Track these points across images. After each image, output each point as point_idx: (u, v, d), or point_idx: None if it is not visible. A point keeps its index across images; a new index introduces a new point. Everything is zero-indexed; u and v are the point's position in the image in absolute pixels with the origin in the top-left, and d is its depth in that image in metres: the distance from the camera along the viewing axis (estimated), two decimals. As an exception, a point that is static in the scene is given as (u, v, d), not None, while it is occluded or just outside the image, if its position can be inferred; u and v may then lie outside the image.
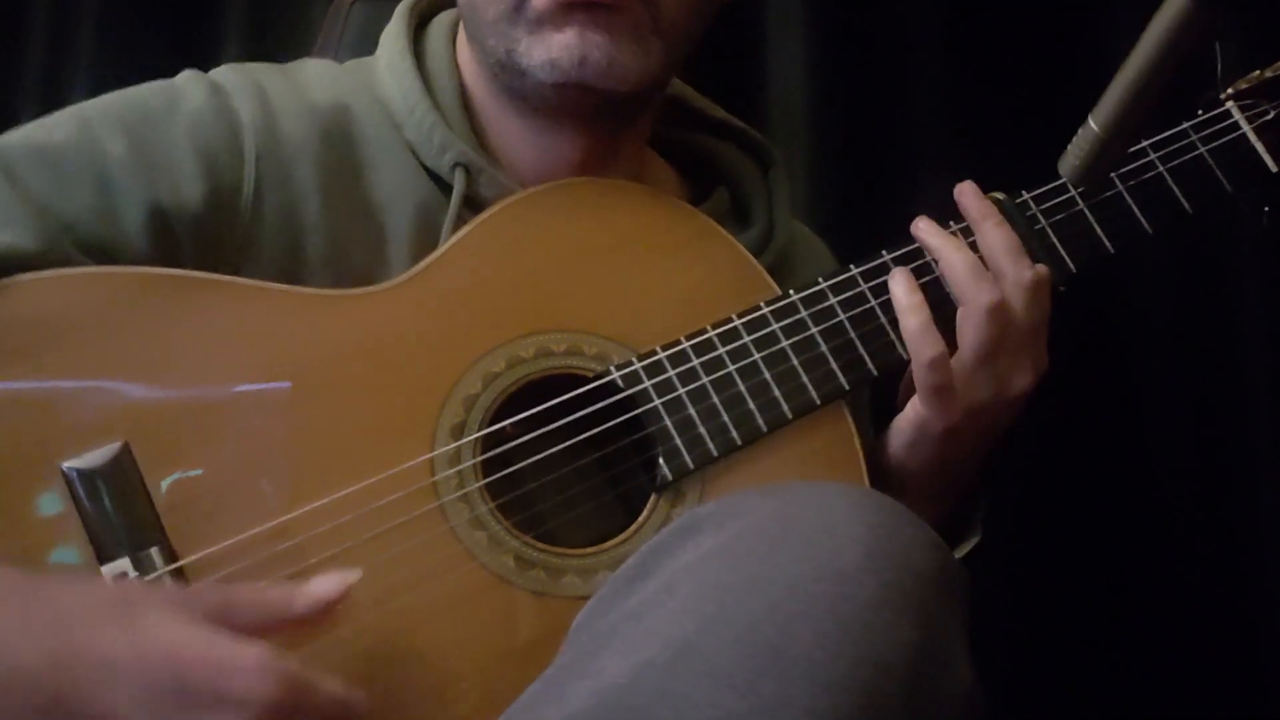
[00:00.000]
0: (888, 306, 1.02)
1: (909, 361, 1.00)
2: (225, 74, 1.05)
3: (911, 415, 1.01)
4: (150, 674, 0.71)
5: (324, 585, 0.79)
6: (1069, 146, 0.80)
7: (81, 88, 1.79)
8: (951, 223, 1.05)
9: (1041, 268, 1.00)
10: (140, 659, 0.71)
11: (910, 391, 1.01)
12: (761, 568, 0.72)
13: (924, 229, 1.03)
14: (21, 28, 1.86)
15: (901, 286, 1.00)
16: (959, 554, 1.05)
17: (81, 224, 0.94)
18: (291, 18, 1.79)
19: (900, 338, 1.01)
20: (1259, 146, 1.07)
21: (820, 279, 1.03)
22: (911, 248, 1.04)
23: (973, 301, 0.98)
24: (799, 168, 1.59)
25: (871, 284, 1.03)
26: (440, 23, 1.13)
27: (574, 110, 1.05)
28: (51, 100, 1.78)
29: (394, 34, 1.10)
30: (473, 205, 1.04)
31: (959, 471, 1.05)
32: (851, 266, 1.04)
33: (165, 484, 0.86)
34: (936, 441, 1.01)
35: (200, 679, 0.71)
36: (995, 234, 1.01)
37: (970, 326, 0.98)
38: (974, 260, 1.00)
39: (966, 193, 1.03)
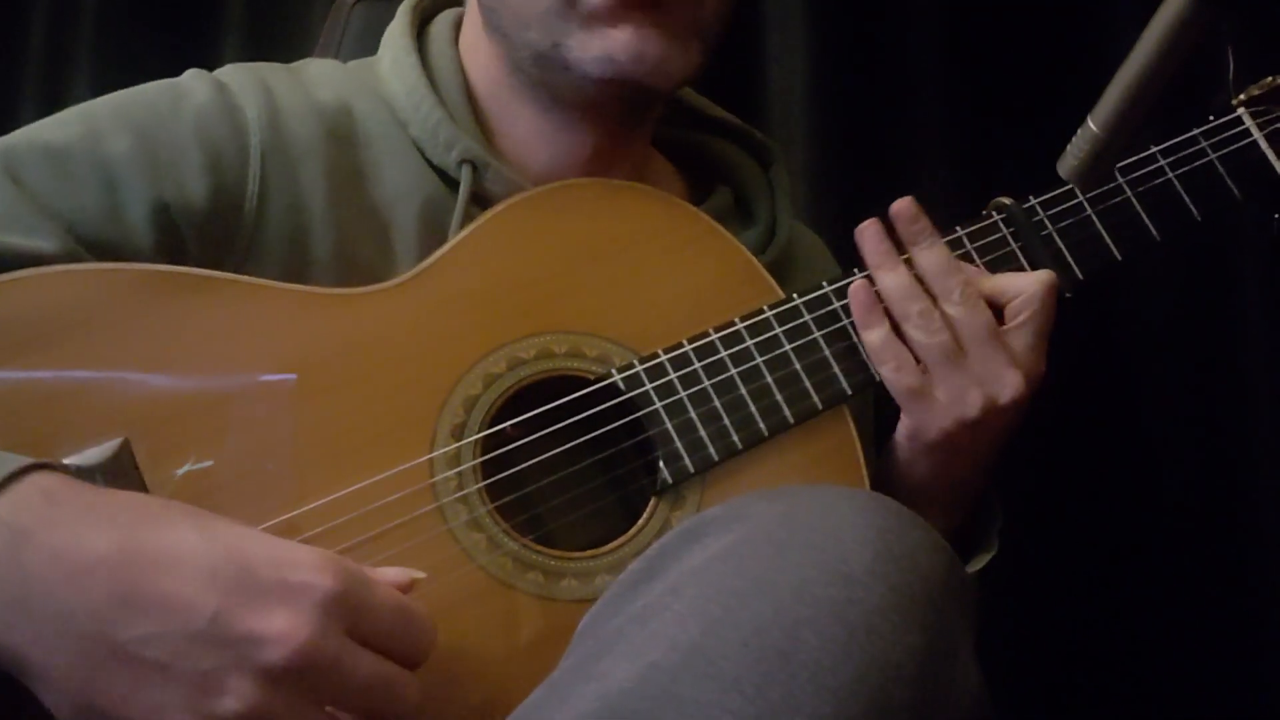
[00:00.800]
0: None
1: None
2: (230, 72, 1.05)
3: (901, 428, 1.02)
4: (219, 563, 0.73)
5: (393, 574, 0.82)
6: (1068, 146, 0.80)
7: (81, 88, 1.79)
8: (958, 227, 1.04)
9: (972, 279, 1.01)
10: (210, 551, 0.74)
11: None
12: (768, 571, 0.71)
13: (868, 241, 1.03)
14: (21, 28, 1.85)
15: (855, 302, 1.01)
16: (974, 567, 1.05)
17: (87, 222, 0.94)
18: (292, 19, 1.78)
19: None
20: (1270, 154, 1.06)
21: (824, 283, 1.03)
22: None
23: (906, 317, 1.00)
24: (799, 168, 1.59)
25: (875, 288, 1.02)
26: (442, 21, 1.13)
27: (604, 106, 1.05)
28: (52, 101, 1.78)
29: (397, 32, 1.10)
30: (480, 201, 1.03)
31: (965, 483, 1.05)
32: (856, 270, 1.03)
33: (178, 474, 0.86)
34: (934, 452, 1.01)
35: (266, 569, 0.73)
36: (925, 257, 1.01)
37: (916, 335, 0.99)
38: (907, 280, 1.01)
39: (868, 236, 1.03)
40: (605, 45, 0.99)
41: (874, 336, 1.00)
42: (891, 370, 0.99)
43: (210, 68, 1.07)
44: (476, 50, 1.09)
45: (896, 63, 1.62)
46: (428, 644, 0.79)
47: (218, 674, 0.71)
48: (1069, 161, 0.81)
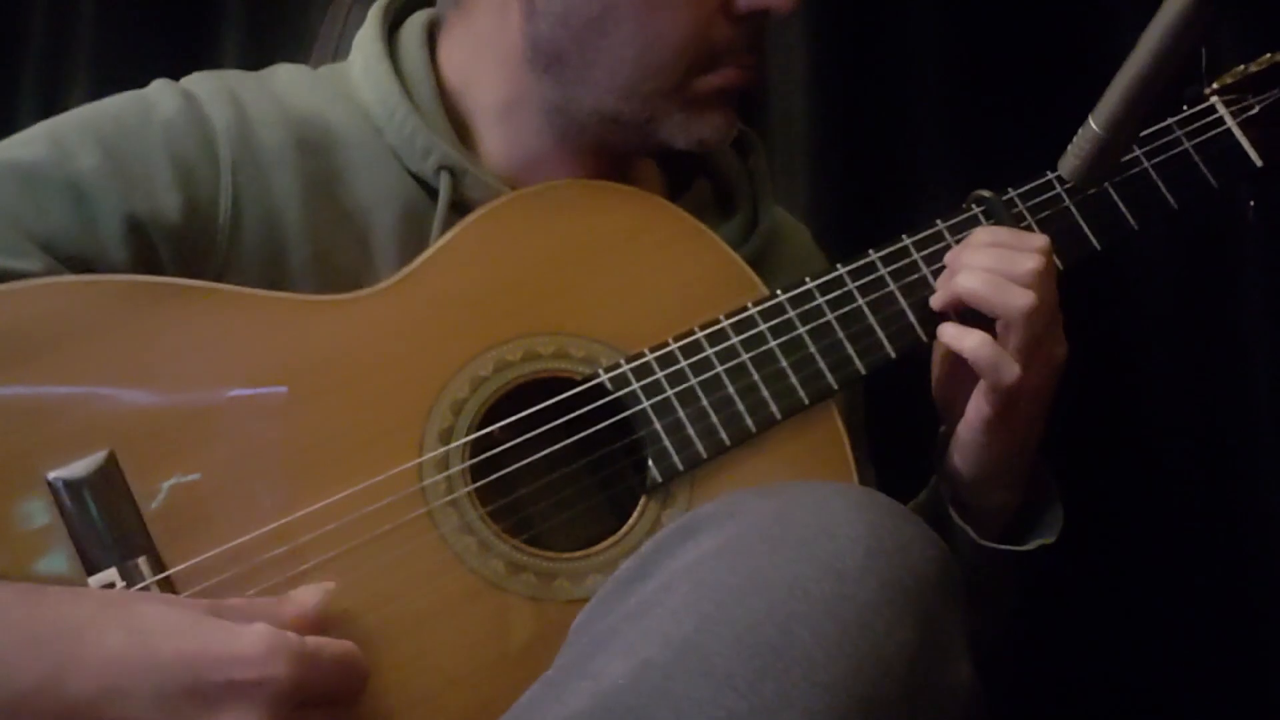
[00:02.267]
0: (875, 306, 1.03)
1: (896, 359, 1.01)
2: (198, 81, 1.04)
3: (977, 414, 1.01)
4: (161, 677, 0.72)
5: (308, 593, 0.82)
6: (1069, 146, 0.80)
7: (81, 88, 1.77)
8: (938, 220, 1.05)
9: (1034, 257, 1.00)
10: (148, 663, 0.72)
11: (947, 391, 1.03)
12: (761, 568, 0.72)
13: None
14: (21, 29, 1.84)
15: (949, 336, 1.01)
16: (1052, 538, 1.06)
17: (60, 239, 0.93)
18: (291, 18, 1.77)
19: (888, 337, 1.02)
20: (1244, 141, 1.07)
21: (807, 279, 1.03)
22: (896, 247, 1.04)
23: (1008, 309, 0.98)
24: (799, 168, 1.59)
25: (859, 283, 1.03)
26: (414, 24, 1.11)
27: (633, 151, 1.10)
28: (51, 102, 1.77)
29: (368, 38, 1.09)
30: (458, 208, 1.03)
31: (1030, 452, 1.05)
32: (838, 266, 1.04)
33: (164, 489, 0.86)
34: (1006, 428, 1.01)
35: (211, 672, 0.72)
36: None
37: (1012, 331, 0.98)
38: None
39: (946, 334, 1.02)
40: (702, 130, 1.03)
41: (972, 342, 0.99)
42: (996, 369, 0.98)
43: (210, 68, 1.07)
44: (472, 67, 1.08)
45: (896, 63, 1.62)
46: (364, 682, 0.80)
47: None
48: (1070, 161, 0.82)
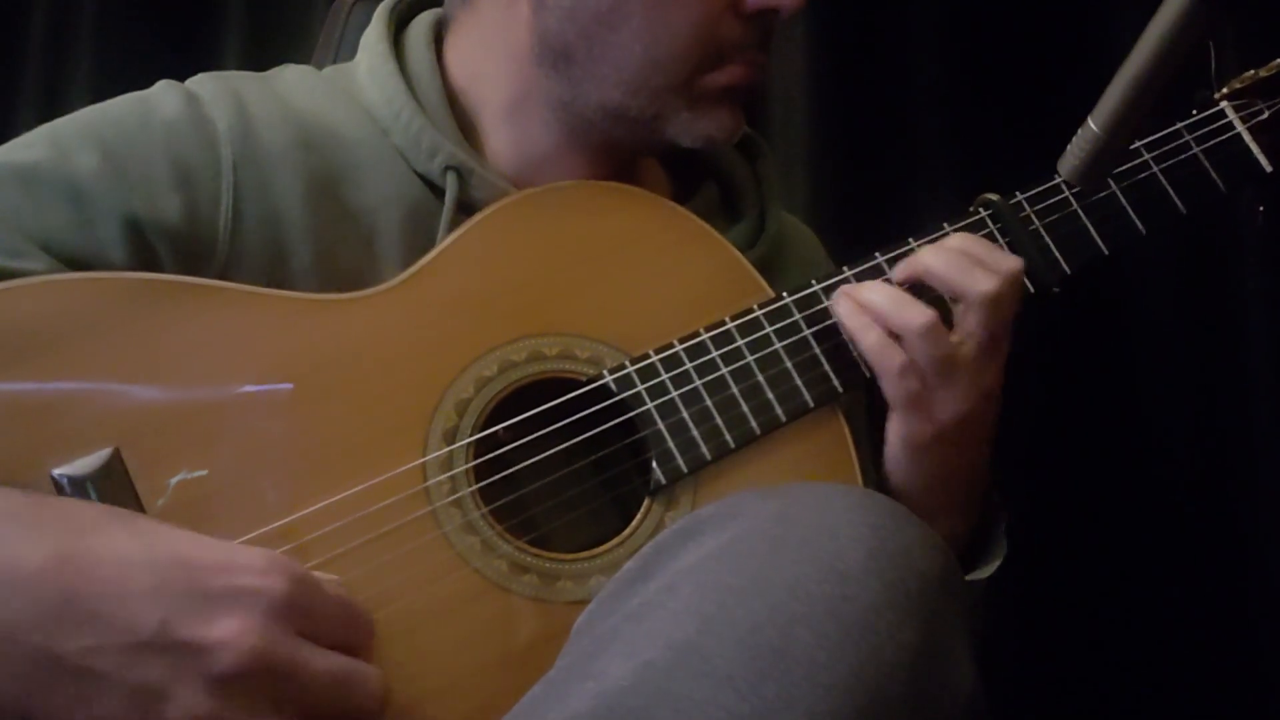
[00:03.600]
0: None
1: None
2: (201, 83, 1.04)
3: (894, 436, 1.01)
4: (162, 571, 0.73)
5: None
6: (1069, 147, 0.80)
7: (81, 89, 1.78)
8: (945, 224, 1.05)
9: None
10: (149, 560, 0.74)
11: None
12: (763, 569, 0.72)
13: (842, 311, 1.01)
14: (21, 29, 1.84)
15: (844, 310, 1.00)
16: (987, 573, 1.05)
17: (61, 240, 0.93)
18: (291, 19, 1.78)
19: None
20: (1253, 146, 1.07)
21: (813, 281, 1.03)
22: (902, 250, 1.04)
23: (906, 328, 0.97)
24: (799, 168, 1.59)
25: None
26: (420, 23, 1.12)
27: (638, 149, 1.10)
28: (52, 102, 1.78)
29: (374, 38, 1.09)
30: (464, 208, 1.03)
31: (971, 478, 1.05)
32: (845, 268, 1.04)
33: (169, 488, 0.86)
34: (934, 451, 1.00)
35: (212, 575, 0.74)
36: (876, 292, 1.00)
37: (920, 347, 0.97)
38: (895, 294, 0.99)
39: (842, 303, 1.01)
40: (708, 127, 1.04)
41: (871, 339, 0.98)
42: (895, 375, 0.98)
43: (210, 69, 1.07)
44: (479, 64, 1.08)
45: (896, 63, 1.62)
46: (369, 637, 0.81)
47: (165, 683, 0.71)
48: (1070, 162, 0.81)
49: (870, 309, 0.99)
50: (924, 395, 0.98)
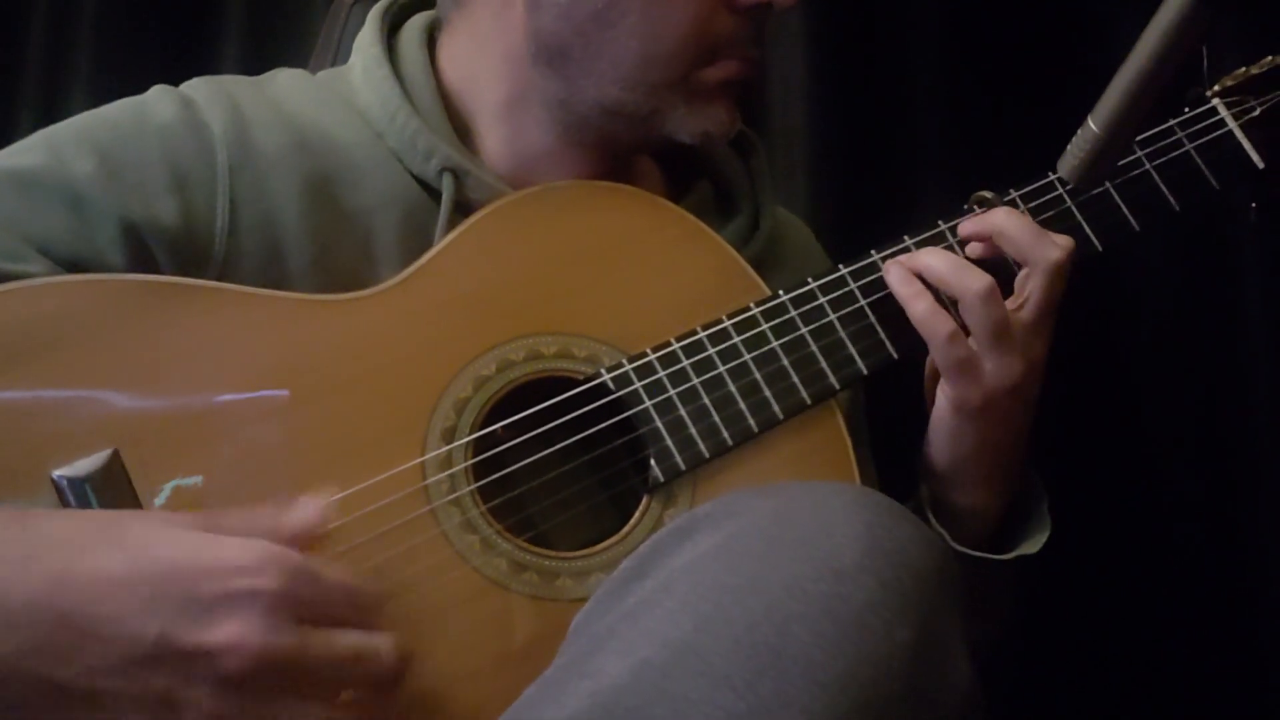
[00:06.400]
0: (877, 306, 1.03)
1: (898, 360, 1.01)
2: (196, 86, 1.04)
3: (945, 401, 1.02)
4: (155, 582, 0.72)
5: (310, 505, 0.81)
6: (1068, 147, 0.80)
7: (81, 88, 1.77)
8: (940, 221, 1.05)
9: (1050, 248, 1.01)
10: (141, 575, 0.72)
11: (936, 384, 1.03)
12: (759, 568, 0.72)
13: (894, 278, 1.02)
14: (21, 29, 1.84)
15: (896, 278, 1.02)
16: (1036, 548, 1.06)
17: (59, 244, 0.94)
18: (291, 19, 1.77)
19: (889, 337, 1.02)
20: (1245, 143, 1.07)
21: (809, 279, 1.03)
22: (899, 247, 1.05)
23: (964, 292, 0.99)
24: (799, 168, 1.59)
25: (860, 283, 1.03)
26: (413, 26, 1.12)
27: (635, 147, 1.11)
28: (52, 103, 1.77)
29: (367, 41, 1.10)
30: (460, 209, 1.03)
31: (1010, 453, 1.05)
32: (840, 266, 1.04)
33: (168, 488, 0.86)
34: (979, 420, 1.01)
35: (204, 580, 0.72)
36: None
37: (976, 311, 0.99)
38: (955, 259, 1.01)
39: (894, 270, 1.03)
40: (705, 123, 1.04)
41: (922, 307, 1.00)
42: (944, 341, 0.99)
43: (210, 70, 1.07)
44: (473, 65, 1.08)
45: (896, 63, 1.62)
46: (379, 607, 0.79)
47: (175, 692, 0.71)
48: (1069, 161, 0.82)
49: (929, 273, 1.01)
50: (974, 361, 0.99)
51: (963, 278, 0.99)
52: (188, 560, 0.74)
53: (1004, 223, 1.01)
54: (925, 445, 1.06)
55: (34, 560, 0.73)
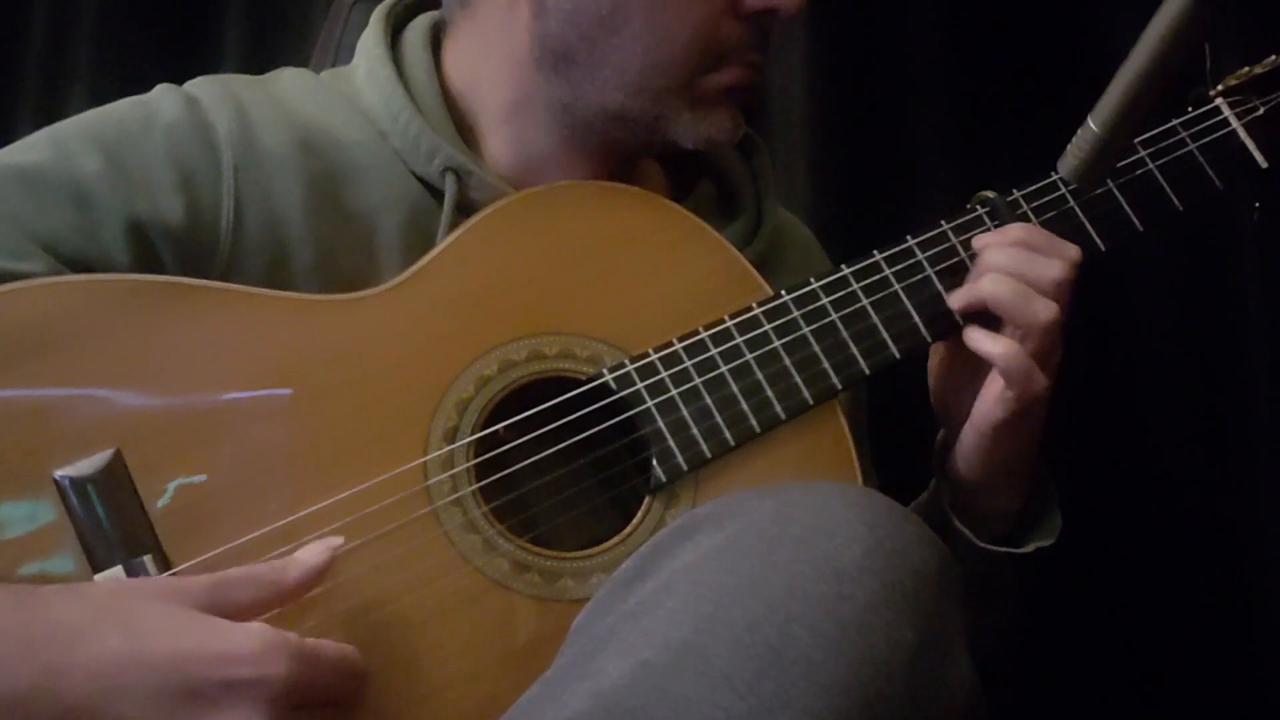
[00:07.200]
0: (879, 306, 1.03)
1: (900, 360, 1.01)
2: (201, 86, 1.04)
3: (992, 410, 1.00)
4: (157, 678, 0.72)
5: (312, 553, 0.82)
6: (1068, 146, 0.80)
7: (81, 88, 1.78)
8: (943, 221, 1.05)
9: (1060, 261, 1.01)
10: (143, 664, 0.72)
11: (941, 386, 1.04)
12: (760, 568, 0.72)
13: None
14: (21, 30, 1.84)
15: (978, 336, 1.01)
16: (1050, 541, 1.07)
17: (64, 242, 0.94)
18: (291, 19, 1.78)
19: (892, 337, 1.02)
20: (1249, 143, 1.07)
21: (812, 279, 1.03)
22: (900, 248, 1.04)
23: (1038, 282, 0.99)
24: (799, 168, 1.59)
25: (863, 284, 1.03)
26: (417, 26, 1.12)
27: (638, 151, 1.11)
28: (52, 103, 1.77)
29: (371, 41, 1.10)
30: (463, 209, 1.03)
31: (1031, 456, 1.06)
32: (843, 266, 1.04)
33: (170, 488, 0.86)
34: (1020, 426, 1.01)
35: (208, 672, 0.72)
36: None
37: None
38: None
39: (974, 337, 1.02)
40: (709, 129, 1.04)
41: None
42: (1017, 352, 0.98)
43: (210, 70, 1.07)
44: (478, 67, 1.08)
45: (897, 63, 1.62)
46: (363, 685, 0.81)
47: None
48: (1069, 161, 0.82)
49: (994, 304, 1.00)
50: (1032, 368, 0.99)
51: (1029, 307, 0.98)
52: (191, 648, 0.73)
53: (992, 290, 0.99)
54: (953, 456, 1.06)
55: (36, 647, 0.73)
